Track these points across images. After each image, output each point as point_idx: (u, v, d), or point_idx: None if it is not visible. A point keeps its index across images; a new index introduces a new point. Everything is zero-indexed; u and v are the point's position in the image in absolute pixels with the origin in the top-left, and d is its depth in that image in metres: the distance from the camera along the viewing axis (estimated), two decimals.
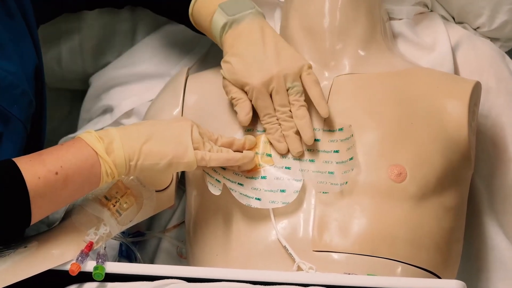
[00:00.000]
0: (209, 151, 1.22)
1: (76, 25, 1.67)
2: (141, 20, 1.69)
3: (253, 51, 1.28)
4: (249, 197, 1.25)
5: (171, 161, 1.19)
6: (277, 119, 1.27)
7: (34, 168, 1.12)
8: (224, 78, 1.30)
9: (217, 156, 1.22)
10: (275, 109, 1.27)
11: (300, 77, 1.28)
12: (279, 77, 1.26)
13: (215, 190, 1.24)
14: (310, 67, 1.29)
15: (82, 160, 1.14)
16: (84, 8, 1.55)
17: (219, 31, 1.31)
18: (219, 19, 1.31)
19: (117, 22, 1.69)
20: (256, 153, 1.28)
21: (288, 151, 1.27)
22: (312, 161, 1.27)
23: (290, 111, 1.27)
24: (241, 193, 1.25)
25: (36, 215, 1.12)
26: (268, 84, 1.26)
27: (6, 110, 1.23)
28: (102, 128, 1.59)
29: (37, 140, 1.35)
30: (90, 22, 1.68)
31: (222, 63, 1.31)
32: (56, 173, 1.12)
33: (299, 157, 1.27)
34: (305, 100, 1.27)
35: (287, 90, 1.27)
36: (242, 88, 1.29)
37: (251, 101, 1.28)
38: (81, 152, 1.15)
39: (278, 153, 1.28)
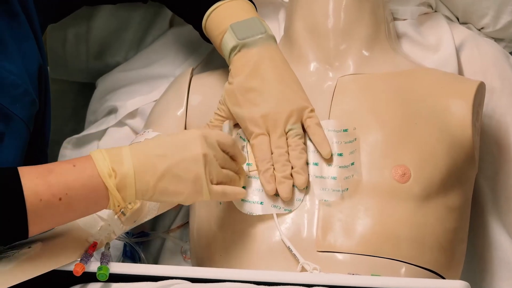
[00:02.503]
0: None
1: (87, 12, 1.67)
2: (154, 22, 1.69)
3: (258, 87, 1.27)
4: (252, 202, 1.25)
5: (186, 200, 1.16)
6: (271, 159, 1.25)
7: (38, 188, 1.08)
8: (222, 100, 1.30)
9: (231, 190, 1.19)
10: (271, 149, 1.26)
11: (302, 120, 1.27)
12: (280, 120, 1.25)
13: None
14: (312, 110, 1.28)
15: (90, 191, 1.11)
16: (104, 2, 1.55)
17: (229, 52, 1.30)
18: (229, 41, 1.30)
19: (130, 20, 1.69)
20: None
21: (276, 192, 1.25)
22: (316, 164, 1.27)
23: (287, 152, 1.25)
24: (243, 200, 1.25)
25: (34, 232, 1.10)
26: (267, 124, 1.26)
27: (8, 110, 1.23)
28: (106, 129, 1.59)
29: (41, 139, 1.35)
30: (102, 13, 1.68)
31: (226, 85, 1.30)
32: (60, 199, 1.09)
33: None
34: (304, 143, 1.27)
35: (287, 132, 1.26)
36: (236, 118, 1.29)
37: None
38: (90, 184, 1.11)
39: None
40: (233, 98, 1.28)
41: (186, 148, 1.15)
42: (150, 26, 1.69)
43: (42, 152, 1.38)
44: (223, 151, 1.19)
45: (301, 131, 1.27)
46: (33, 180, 1.09)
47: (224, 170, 1.18)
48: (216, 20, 1.33)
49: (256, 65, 1.28)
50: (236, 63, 1.29)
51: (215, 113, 1.31)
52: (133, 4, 1.65)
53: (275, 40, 1.32)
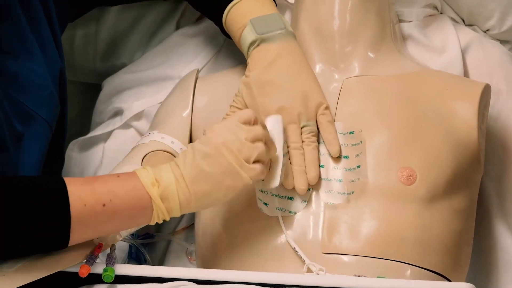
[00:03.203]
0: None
1: (95, 13, 1.68)
2: (161, 25, 1.69)
3: (274, 80, 1.28)
4: (260, 200, 1.25)
5: (227, 193, 1.15)
6: (288, 152, 1.26)
7: (83, 194, 1.09)
8: (238, 92, 1.31)
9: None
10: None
11: (316, 116, 1.28)
12: (295, 114, 1.26)
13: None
14: (327, 107, 1.28)
15: (134, 200, 1.12)
16: (122, 2, 1.54)
17: (247, 46, 1.31)
18: (248, 36, 1.31)
19: (138, 22, 1.69)
20: None
21: (293, 187, 1.25)
22: (322, 166, 1.27)
23: (301, 147, 1.26)
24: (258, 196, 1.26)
25: (74, 240, 1.10)
26: (284, 118, 1.25)
27: (33, 111, 1.24)
28: (112, 130, 1.59)
29: (59, 142, 1.35)
30: (111, 15, 1.68)
31: (243, 78, 1.30)
32: (104, 205, 1.10)
33: None
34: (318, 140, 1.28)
35: (301, 127, 1.27)
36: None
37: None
38: (134, 192, 1.12)
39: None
40: (249, 91, 1.28)
41: (206, 144, 1.15)
42: (157, 28, 1.69)
43: (60, 152, 1.38)
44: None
45: (315, 128, 1.27)
46: (78, 186, 1.10)
47: (258, 144, 1.15)
48: (236, 15, 1.34)
49: (274, 59, 1.29)
50: (254, 57, 1.30)
51: (231, 106, 1.31)
52: (142, 5, 1.65)
53: (294, 37, 1.32)
